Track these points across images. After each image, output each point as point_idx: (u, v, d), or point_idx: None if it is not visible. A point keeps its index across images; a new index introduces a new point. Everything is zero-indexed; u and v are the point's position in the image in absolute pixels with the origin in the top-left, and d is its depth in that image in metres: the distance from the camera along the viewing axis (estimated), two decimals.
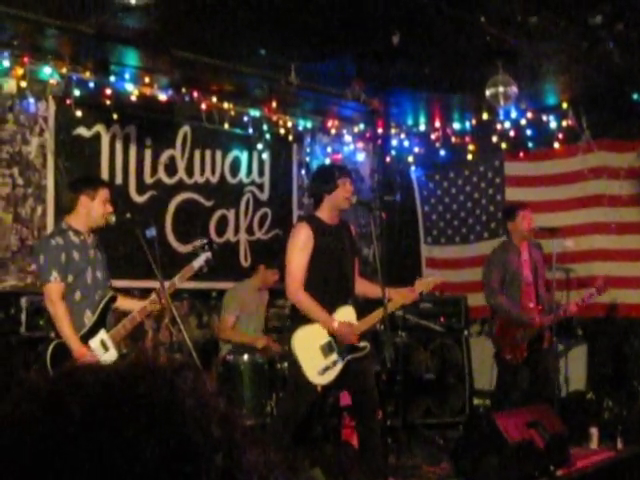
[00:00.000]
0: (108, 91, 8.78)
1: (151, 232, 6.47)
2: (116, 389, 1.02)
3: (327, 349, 6.62)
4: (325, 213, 6.76)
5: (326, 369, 6.60)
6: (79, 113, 8.67)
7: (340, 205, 6.77)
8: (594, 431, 8.52)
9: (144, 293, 8.14)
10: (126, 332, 6.56)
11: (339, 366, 6.64)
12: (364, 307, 6.94)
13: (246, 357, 8.32)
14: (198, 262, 6.75)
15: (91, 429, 0.98)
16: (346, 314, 6.71)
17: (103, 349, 6.35)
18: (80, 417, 0.99)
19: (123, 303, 6.73)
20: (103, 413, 0.99)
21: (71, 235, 6.35)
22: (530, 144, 10.83)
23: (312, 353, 6.59)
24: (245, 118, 10.23)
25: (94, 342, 6.32)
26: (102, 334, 6.37)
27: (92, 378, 1.04)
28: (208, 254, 6.81)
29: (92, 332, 6.33)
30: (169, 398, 1.02)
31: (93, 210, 6.39)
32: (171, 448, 0.97)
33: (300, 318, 6.65)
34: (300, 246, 6.63)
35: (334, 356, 6.63)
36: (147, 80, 9.09)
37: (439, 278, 7.55)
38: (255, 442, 1.05)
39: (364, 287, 7.09)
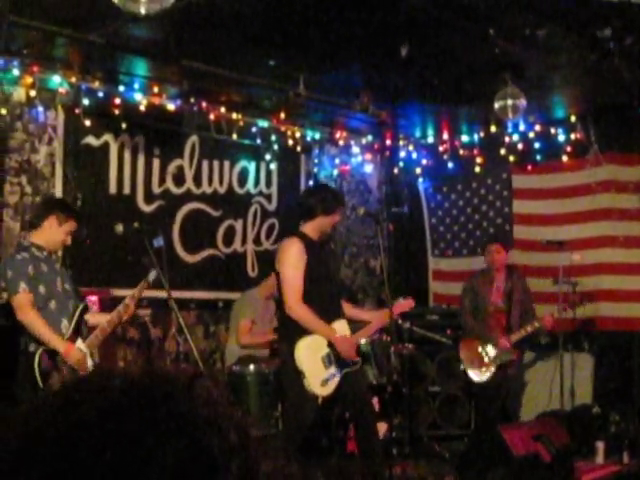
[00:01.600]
0: (117, 100, 8.79)
1: (159, 242, 6.50)
2: (133, 396, 1.02)
3: (327, 361, 6.69)
4: (311, 230, 6.85)
5: (327, 380, 6.66)
6: (88, 122, 8.68)
7: (326, 230, 6.97)
8: (600, 445, 8.49)
9: (150, 302, 8.18)
10: (98, 342, 6.60)
11: (337, 378, 6.72)
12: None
13: (252, 367, 8.30)
14: (150, 277, 6.72)
15: (108, 436, 0.98)
16: (341, 328, 6.79)
17: None
18: (97, 424, 0.99)
19: (90, 318, 6.77)
20: (121, 420, 0.99)
21: (35, 251, 6.39)
22: (538, 157, 10.82)
23: (315, 364, 6.64)
24: (253, 129, 10.24)
25: None
26: (79, 343, 6.39)
27: (107, 385, 1.04)
28: (154, 272, 6.72)
29: (70, 341, 6.36)
30: (186, 405, 1.02)
31: (55, 235, 6.45)
32: (189, 455, 0.97)
33: (292, 332, 6.68)
34: (296, 259, 6.69)
35: (333, 368, 6.71)
36: (156, 90, 9.10)
37: (411, 302, 7.58)
38: (270, 452, 1.05)
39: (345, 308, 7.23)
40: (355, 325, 7.12)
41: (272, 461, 1.04)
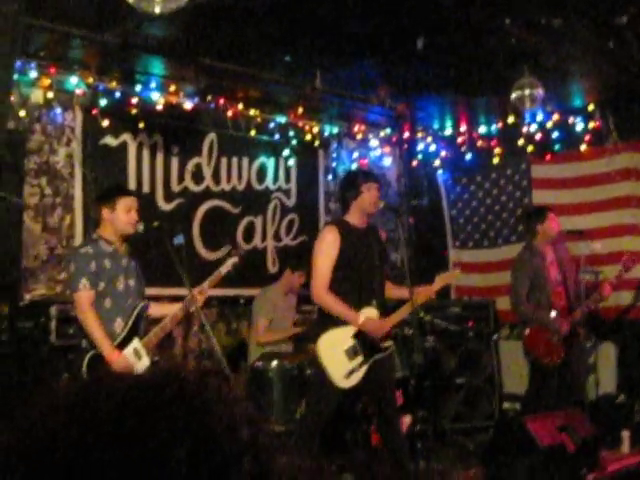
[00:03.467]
0: (134, 100, 8.82)
1: (179, 240, 6.50)
2: (145, 395, 1.03)
3: (352, 352, 6.65)
4: (353, 217, 6.83)
5: (352, 372, 6.62)
6: (106, 122, 8.72)
7: (367, 209, 6.83)
8: (626, 434, 8.44)
9: (173, 301, 8.17)
10: (158, 340, 6.58)
11: (364, 368, 6.66)
12: (390, 309, 6.96)
13: (275, 363, 8.31)
14: (225, 267, 6.78)
15: (121, 435, 0.98)
16: (369, 315, 6.72)
17: (136, 357, 6.37)
18: (110, 423, 0.99)
19: (156, 309, 6.77)
20: (133, 419, 1.00)
21: (102, 244, 6.38)
22: (556, 146, 10.78)
23: (337, 357, 6.61)
24: (271, 125, 10.25)
25: (128, 351, 6.34)
26: (135, 342, 6.38)
27: (120, 385, 1.05)
28: (235, 259, 6.85)
29: (126, 341, 6.35)
30: (197, 403, 1.03)
31: (116, 220, 6.42)
32: (200, 452, 0.98)
33: (326, 323, 6.68)
34: (326, 248, 6.69)
35: (359, 359, 6.65)
36: (173, 88, 9.12)
37: (457, 271, 7.59)
38: (283, 447, 1.05)
39: (390, 290, 7.11)
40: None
41: (286, 457, 1.05)
